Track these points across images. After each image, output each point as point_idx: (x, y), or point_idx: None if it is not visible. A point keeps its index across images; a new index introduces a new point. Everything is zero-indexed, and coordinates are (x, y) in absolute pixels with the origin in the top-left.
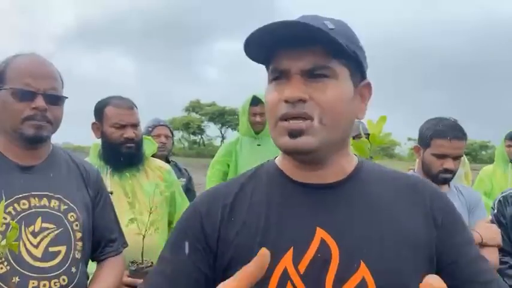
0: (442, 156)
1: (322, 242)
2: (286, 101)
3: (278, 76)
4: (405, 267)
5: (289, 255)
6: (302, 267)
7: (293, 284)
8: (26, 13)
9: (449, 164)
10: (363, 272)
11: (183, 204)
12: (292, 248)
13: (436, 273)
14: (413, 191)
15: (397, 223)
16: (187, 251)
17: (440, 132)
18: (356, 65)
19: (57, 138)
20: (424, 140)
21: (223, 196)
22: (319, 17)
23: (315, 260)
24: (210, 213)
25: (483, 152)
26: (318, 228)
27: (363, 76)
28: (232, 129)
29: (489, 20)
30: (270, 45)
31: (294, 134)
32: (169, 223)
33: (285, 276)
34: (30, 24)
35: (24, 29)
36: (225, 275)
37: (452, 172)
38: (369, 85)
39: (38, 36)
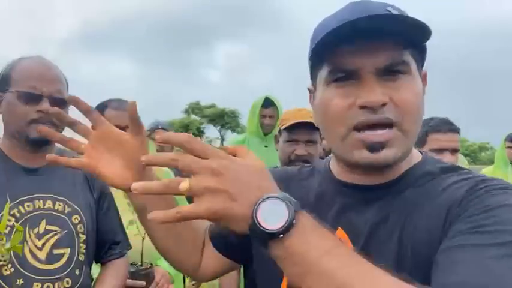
0: (440, 151)
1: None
2: (364, 107)
3: (343, 77)
4: None
5: None
6: None
7: None
8: (30, 16)
9: (448, 157)
10: None
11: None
12: None
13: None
14: (454, 205)
15: (411, 242)
16: None
17: (435, 127)
18: (420, 54)
19: None
20: (420, 139)
21: (281, 178)
22: (375, 2)
23: None
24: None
25: (483, 154)
26: (339, 228)
27: (422, 65)
28: (231, 130)
29: (488, 23)
30: (334, 40)
31: (375, 147)
32: None
33: None
34: (35, 28)
35: (29, 33)
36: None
37: None
38: (425, 75)
39: (42, 40)
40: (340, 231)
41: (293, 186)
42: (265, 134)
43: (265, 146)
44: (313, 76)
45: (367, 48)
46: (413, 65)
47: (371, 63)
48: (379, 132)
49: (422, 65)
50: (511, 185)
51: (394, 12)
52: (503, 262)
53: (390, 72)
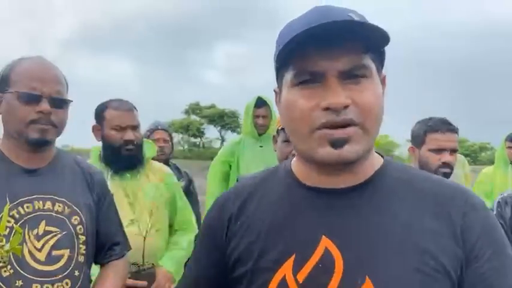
0: (438, 151)
1: (326, 251)
2: (327, 109)
3: (307, 79)
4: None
5: (289, 263)
6: (301, 277)
7: None
8: (30, 17)
9: (446, 157)
10: None
11: (184, 206)
12: (294, 255)
13: None
14: (443, 203)
15: (413, 240)
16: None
17: (434, 127)
18: (379, 58)
19: (57, 141)
20: (419, 138)
21: (236, 196)
22: (338, 8)
23: (316, 270)
24: (224, 208)
25: (483, 154)
26: (323, 237)
27: (382, 68)
28: (231, 131)
29: (487, 23)
30: (299, 44)
31: (338, 143)
32: (170, 225)
33: (282, 284)
34: (35, 28)
35: (29, 33)
36: (231, 274)
37: (451, 166)
38: (385, 78)
39: (42, 40)
40: (325, 240)
41: (256, 200)
42: (260, 134)
43: (260, 146)
44: (279, 78)
45: (331, 52)
46: (374, 69)
47: (334, 66)
48: (343, 129)
49: (382, 69)
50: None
51: (356, 18)
52: None
53: (352, 76)
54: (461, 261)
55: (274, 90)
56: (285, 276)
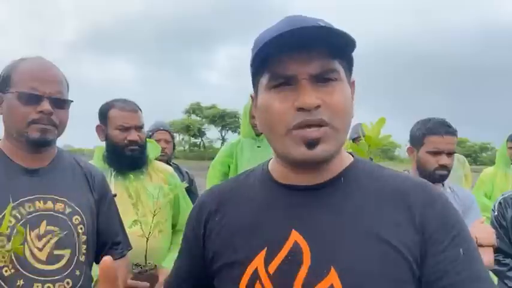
0: (436, 153)
1: (295, 244)
2: (301, 109)
3: (282, 82)
4: (379, 278)
5: (261, 256)
6: (272, 268)
7: (262, 284)
8: (37, 19)
9: (444, 160)
10: (332, 278)
11: (187, 207)
12: (265, 248)
13: (419, 285)
14: (403, 195)
15: (375, 231)
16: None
17: (433, 129)
18: (348, 64)
19: (58, 141)
20: (417, 140)
21: (216, 194)
22: (308, 17)
23: (286, 262)
24: (202, 208)
25: (483, 154)
26: (293, 231)
27: (351, 73)
28: (232, 131)
29: (485, 26)
30: (272, 50)
31: (312, 143)
32: (173, 226)
33: (254, 276)
34: (42, 30)
35: (36, 35)
36: (210, 268)
37: (448, 168)
38: (353, 83)
39: (48, 42)
40: (295, 233)
41: (234, 198)
42: (258, 135)
43: (258, 147)
44: (255, 83)
45: (302, 57)
46: (342, 73)
47: (305, 70)
48: (314, 129)
49: (351, 74)
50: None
51: (325, 25)
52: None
53: (323, 79)
54: (421, 250)
55: (251, 96)
56: (257, 268)
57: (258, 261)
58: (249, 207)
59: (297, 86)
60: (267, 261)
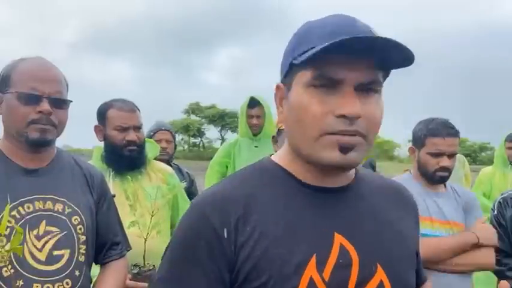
0: (437, 155)
1: (342, 247)
2: (342, 116)
3: (324, 84)
4: (409, 269)
5: (312, 263)
6: (327, 274)
7: None
8: (38, 19)
9: (445, 161)
10: (380, 274)
11: (186, 207)
12: (314, 255)
13: None
14: (402, 195)
15: (395, 226)
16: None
17: (435, 131)
18: (385, 77)
19: (57, 141)
20: (419, 140)
21: (233, 203)
22: (363, 22)
23: (338, 266)
24: (224, 222)
25: (483, 154)
26: (335, 234)
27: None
28: (232, 131)
29: (486, 26)
30: (324, 49)
31: (345, 148)
32: (172, 226)
33: (311, 285)
34: (43, 30)
35: (37, 35)
36: (244, 285)
37: (449, 170)
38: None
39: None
40: (338, 236)
41: (259, 203)
42: (255, 135)
43: (256, 147)
44: (290, 74)
45: (353, 63)
46: (382, 85)
47: (355, 77)
48: (349, 137)
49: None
50: None
51: (378, 34)
52: None
53: (367, 89)
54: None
55: (278, 86)
56: (311, 277)
57: (311, 270)
58: (282, 214)
59: (339, 91)
60: (320, 268)
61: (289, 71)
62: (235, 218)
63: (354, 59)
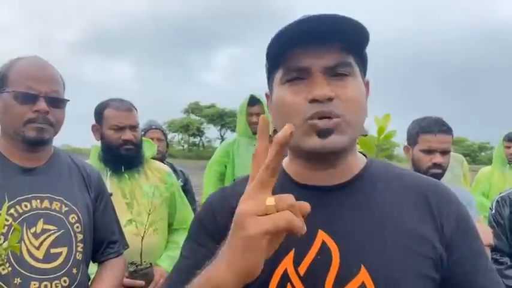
0: (429, 152)
1: (323, 244)
2: (314, 101)
3: (295, 77)
4: (407, 275)
5: (289, 257)
6: (302, 269)
7: (293, 286)
8: (39, 18)
9: (437, 158)
10: (363, 276)
11: (183, 205)
12: (293, 250)
13: (442, 282)
14: (421, 194)
15: (401, 228)
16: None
17: (426, 128)
18: (363, 63)
19: (56, 140)
20: (412, 138)
21: (231, 198)
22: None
23: (315, 263)
24: (221, 212)
25: (482, 153)
26: (319, 231)
27: (365, 74)
28: (231, 130)
29: (485, 28)
30: (285, 43)
31: (323, 133)
32: (169, 225)
33: (285, 278)
34: (44, 30)
35: (38, 35)
36: None
37: (442, 167)
38: (368, 83)
39: (50, 42)
40: (321, 233)
41: None
42: (255, 133)
43: (255, 145)
44: (270, 80)
45: (316, 50)
46: (357, 70)
47: (320, 63)
48: (326, 120)
49: (365, 74)
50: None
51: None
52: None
53: (337, 73)
54: (441, 245)
55: (266, 94)
56: (286, 269)
57: (287, 263)
58: None
59: (310, 79)
60: (297, 263)
61: (268, 77)
62: (231, 209)
63: (317, 46)
